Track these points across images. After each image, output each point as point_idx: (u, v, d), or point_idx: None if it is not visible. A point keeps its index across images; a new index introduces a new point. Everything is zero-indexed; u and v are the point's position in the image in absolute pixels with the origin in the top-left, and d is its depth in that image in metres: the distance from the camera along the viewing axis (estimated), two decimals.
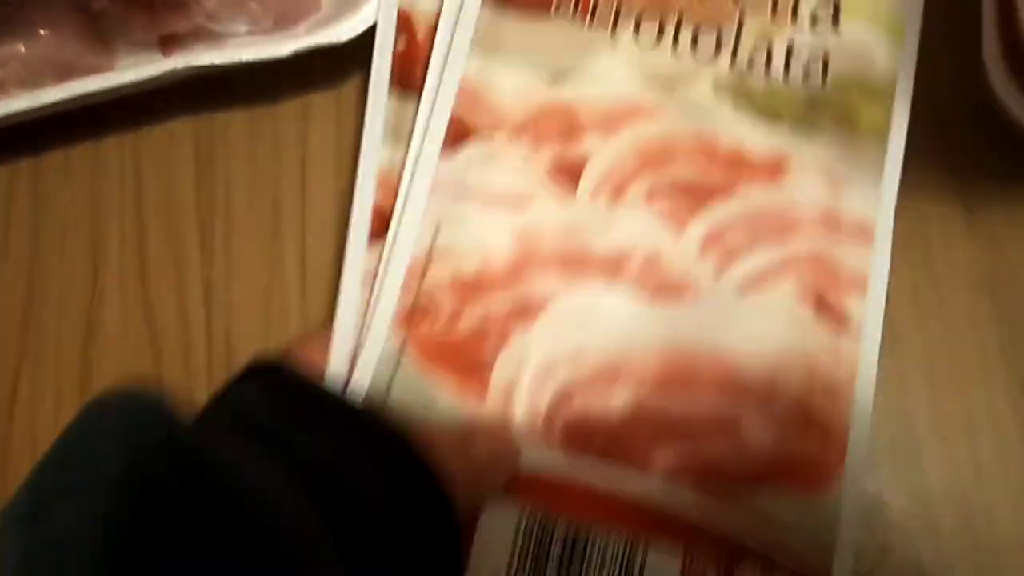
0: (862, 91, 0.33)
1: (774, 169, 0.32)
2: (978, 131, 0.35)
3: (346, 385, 0.30)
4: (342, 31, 0.33)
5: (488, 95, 0.33)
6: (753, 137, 0.32)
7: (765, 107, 0.33)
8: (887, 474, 0.31)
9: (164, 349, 0.34)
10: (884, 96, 0.33)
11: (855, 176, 0.32)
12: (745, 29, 0.34)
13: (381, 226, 0.32)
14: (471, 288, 0.31)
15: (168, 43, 0.35)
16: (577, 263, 0.31)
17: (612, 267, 0.31)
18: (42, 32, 0.33)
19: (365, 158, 0.32)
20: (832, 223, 0.32)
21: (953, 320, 0.34)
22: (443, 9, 0.33)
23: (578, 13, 0.34)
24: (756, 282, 0.31)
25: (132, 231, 0.35)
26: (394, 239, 0.31)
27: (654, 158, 0.32)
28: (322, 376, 0.30)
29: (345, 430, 0.26)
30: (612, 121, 0.32)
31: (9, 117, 0.33)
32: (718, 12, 0.34)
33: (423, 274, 0.31)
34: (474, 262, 0.31)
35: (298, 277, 0.34)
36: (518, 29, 0.33)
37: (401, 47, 0.34)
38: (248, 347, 0.34)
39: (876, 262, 0.32)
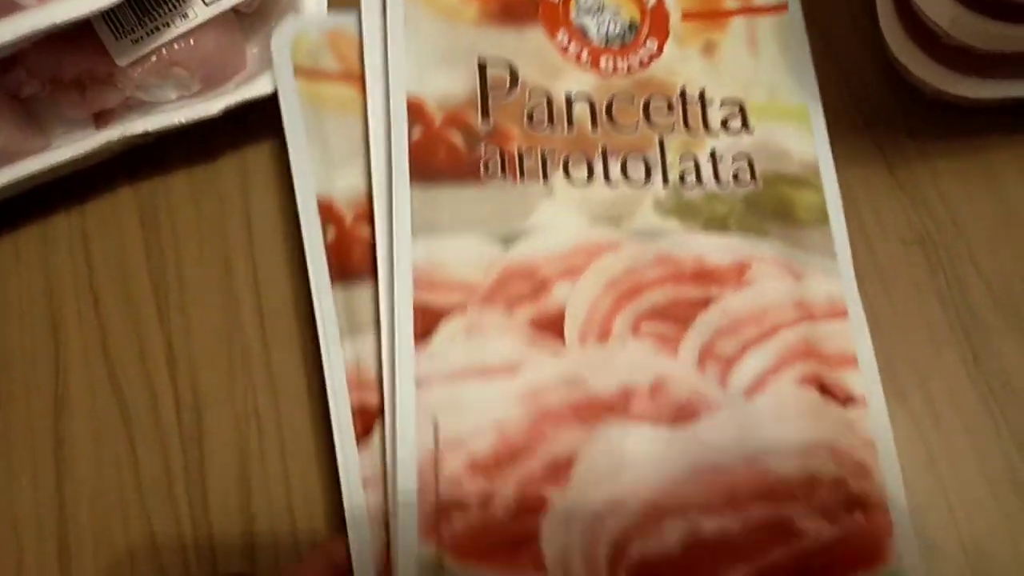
0: (790, 182, 0.35)
1: (738, 274, 0.33)
2: (891, 94, 0.37)
3: None
4: (271, 83, 0.34)
5: (445, 274, 0.32)
6: (710, 248, 0.33)
7: (710, 217, 0.34)
8: None
9: (133, 414, 0.34)
10: (811, 181, 0.35)
11: (811, 262, 0.34)
12: (668, 149, 0.35)
13: (365, 425, 0.31)
14: (493, 466, 0.30)
15: (101, 118, 0.36)
16: (589, 410, 0.31)
17: (622, 405, 0.31)
18: None
19: (329, 362, 0.32)
20: (806, 310, 0.33)
21: (891, 276, 0.35)
22: (374, 198, 0.33)
23: (507, 173, 0.34)
24: (760, 384, 0.32)
25: (88, 303, 0.36)
26: (393, 448, 0.30)
27: (627, 290, 0.33)
28: None
29: None
30: (575, 266, 0.33)
31: None
32: (637, 139, 0.35)
33: (436, 471, 0.30)
34: (488, 440, 0.30)
35: (256, 324, 0.35)
36: (453, 203, 0.33)
37: (331, 238, 0.33)
38: (216, 398, 0.34)
39: (856, 333, 0.33)
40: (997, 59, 0.32)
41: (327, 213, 0.33)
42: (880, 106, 0.37)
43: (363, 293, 0.32)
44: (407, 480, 0.29)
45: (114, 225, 0.37)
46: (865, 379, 0.32)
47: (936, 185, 0.36)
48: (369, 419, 0.31)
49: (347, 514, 0.30)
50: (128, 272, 0.36)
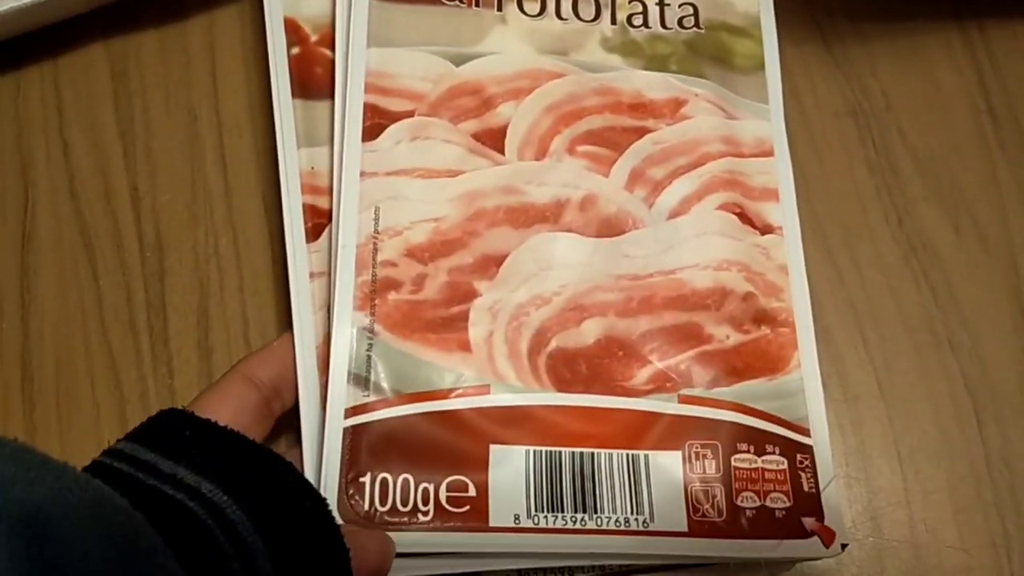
0: (730, 30, 0.37)
1: (674, 109, 0.35)
2: None
3: (324, 377, 0.30)
4: None
5: (396, 82, 0.34)
6: (649, 84, 0.35)
7: (653, 56, 0.36)
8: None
9: (97, 251, 0.36)
10: (750, 31, 0.37)
11: (743, 104, 0.36)
12: None
13: (316, 228, 0.33)
14: (427, 253, 0.32)
15: None
16: (522, 216, 0.33)
17: (554, 214, 0.33)
18: None
19: (284, 165, 0.33)
20: (734, 146, 0.35)
21: (823, 144, 0.37)
22: (336, 12, 0.34)
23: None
24: (683, 206, 0.34)
25: (57, 147, 0.37)
26: (337, 230, 0.32)
27: (567, 115, 0.35)
28: (293, 382, 0.30)
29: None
30: (520, 89, 0.35)
31: None
32: None
33: (375, 254, 0.32)
34: (425, 231, 0.32)
35: (219, 171, 0.37)
36: (411, 20, 0.35)
37: (295, 53, 0.35)
38: (178, 242, 0.36)
39: (781, 171, 0.35)
40: None
41: (293, 32, 0.35)
42: None
43: (322, 110, 0.34)
44: (347, 258, 0.31)
45: (84, 77, 0.38)
46: (784, 212, 0.35)
47: (870, 64, 0.38)
48: (320, 222, 0.33)
49: (292, 301, 0.32)
50: (97, 120, 0.37)
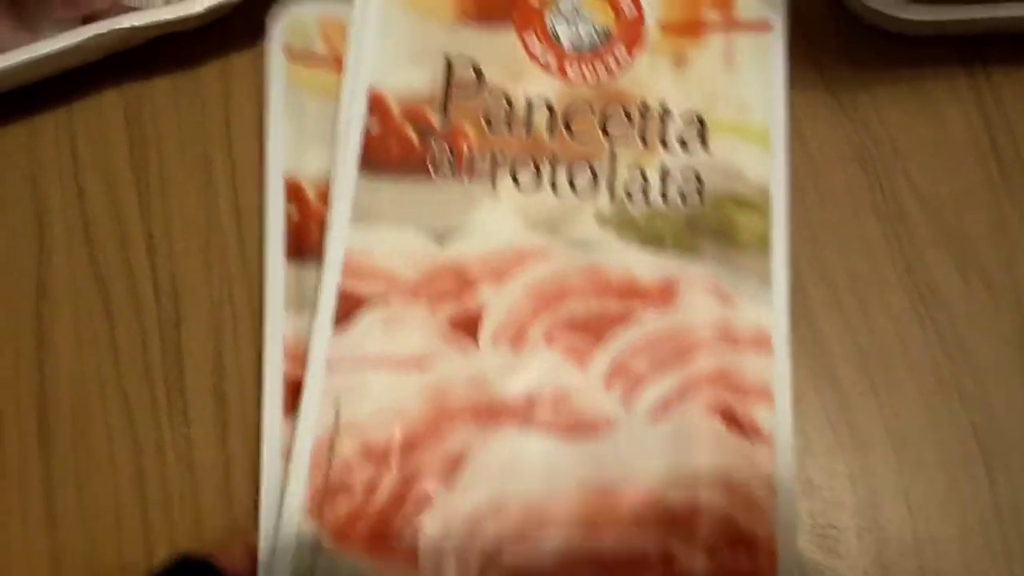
0: (737, 204, 0.35)
1: (665, 293, 0.33)
2: (834, 22, 0.40)
3: None
4: None
5: (375, 262, 0.33)
6: (641, 264, 0.33)
7: (648, 234, 0.34)
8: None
9: (113, 298, 0.36)
10: (759, 205, 0.35)
11: (743, 287, 0.33)
12: (618, 161, 0.35)
13: (293, 400, 0.32)
14: (383, 457, 0.31)
15: (90, 21, 0.38)
16: (489, 413, 0.31)
17: (524, 412, 0.31)
18: None
19: (269, 329, 0.33)
20: (729, 337, 0.33)
21: (830, 190, 0.38)
22: (331, 183, 0.34)
23: (457, 172, 0.35)
24: (665, 408, 0.32)
25: (72, 194, 0.37)
26: (297, 423, 0.31)
27: (549, 299, 0.33)
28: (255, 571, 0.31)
29: None
30: (502, 270, 0.33)
31: None
32: (590, 150, 0.35)
33: (330, 453, 0.31)
34: (384, 431, 0.31)
35: (233, 218, 0.37)
36: (398, 195, 0.34)
37: (292, 215, 0.35)
38: (193, 289, 0.36)
39: (778, 369, 0.33)
40: None
41: (292, 191, 0.35)
42: (823, 33, 0.40)
43: (313, 272, 0.34)
44: (301, 458, 0.31)
45: (99, 123, 0.38)
46: (776, 416, 0.32)
47: (876, 110, 0.39)
48: (298, 393, 0.32)
49: (262, 484, 0.32)
50: (112, 166, 0.38)
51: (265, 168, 0.36)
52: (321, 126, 0.36)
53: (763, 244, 0.34)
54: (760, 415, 0.32)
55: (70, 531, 0.34)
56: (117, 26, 0.35)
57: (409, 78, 0.36)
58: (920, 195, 0.38)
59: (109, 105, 0.39)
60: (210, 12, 0.36)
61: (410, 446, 0.31)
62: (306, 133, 0.36)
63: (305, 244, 0.34)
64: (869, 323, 0.36)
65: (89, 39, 0.35)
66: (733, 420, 0.32)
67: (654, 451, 0.31)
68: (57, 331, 0.36)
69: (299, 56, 0.37)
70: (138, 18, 0.35)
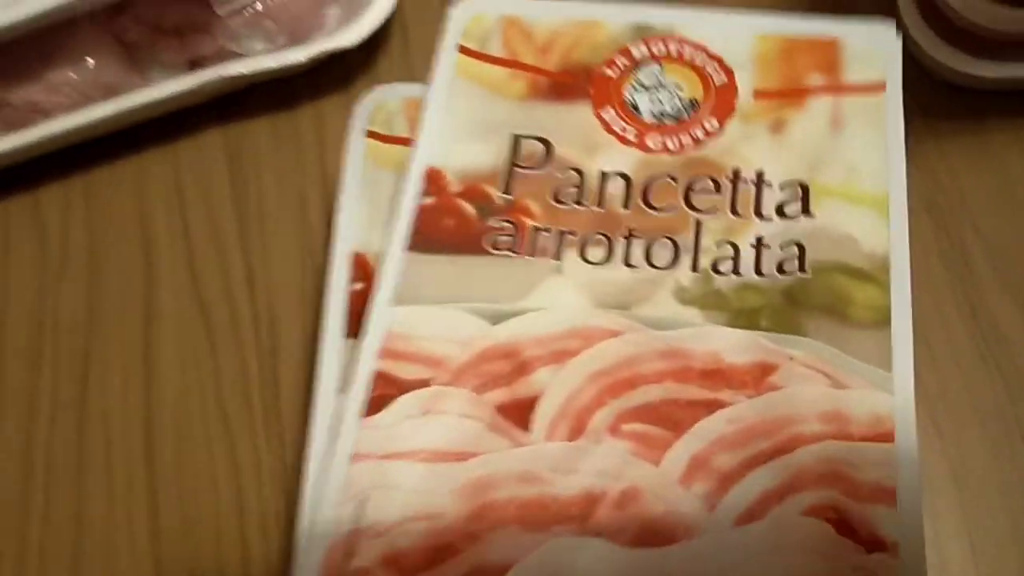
0: (850, 274, 0.30)
1: (759, 377, 0.28)
2: (905, 73, 0.41)
3: None
4: (350, 36, 0.38)
5: (416, 345, 0.30)
6: (730, 345, 0.29)
7: (740, 310, 0.30)
8: None
9: (215, 325, 0.39)
10: (875, 276, 0.31)
11: (858, 368, 0.29)
12: (704, 234, 0.31)
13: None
14: (411, 567, 0.26)
15: (195, 66, 0.41)
16: (540, 515, 0.26)
17: (581, 513, 0.26)
18: (88, 60, 0.39)
19: (317, 408, 0.30)
20: (839, 424, 0.28)
21: None
22: (379, 260, 0.32)
23: (519, 247, 0.32)
24: (757, 507, 0.26)
25: (178, 228, 0.40)
26: (304, 524, 0.27)
27: (617, 384, 0.28)
28: None
29: None
30: (564, 351, 0.29)
31: (67, 135, 0.38)
32: (671, 222, 0.32)
33: (349, 559, 0.26)
34: (414, 532, 0.26)
35: (324, 255, 0.39)
36: (447, 273, 0.31)
37: (357, 292, 0.32)
38: (289, 316, 0.38)
39: (903, 464, 0.27)
40: (1004, 42, 0.36)
41: (359, 268, 0.33)
42: None
43: None
44: (310, 563, 0.26)
45: (202, 161, 0.41)
46: (902, 522, 0.26)
47: (944, 160, 0.40)
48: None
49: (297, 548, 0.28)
50: (214, 202, 0.40)
51: (332, 242, 0.35)
52: (391, 203, 0.35)
53: (882, 321, 0.30)
54: (880, 519, 0.26)
55: (173, 545, 0.36)
56: (225, 73, 0.38)
57: (471, 154, 0.34)
58: (986, 243, 0.39)
59: (211, 144, 0.41)
60: (312, 62, 0.38)
61: (442, 554, 0.26)
62: (378, 210, 0.34)
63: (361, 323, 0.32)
64: (936, 368, 0.37)
65: (199, 85, 0.38)
66: (845, 525, 0.26)
67: (741, 561, 0.26)
68: (163, 356, 0.38)
69: (381, 137, 0.36)
70: (245, 66, 0.38)
